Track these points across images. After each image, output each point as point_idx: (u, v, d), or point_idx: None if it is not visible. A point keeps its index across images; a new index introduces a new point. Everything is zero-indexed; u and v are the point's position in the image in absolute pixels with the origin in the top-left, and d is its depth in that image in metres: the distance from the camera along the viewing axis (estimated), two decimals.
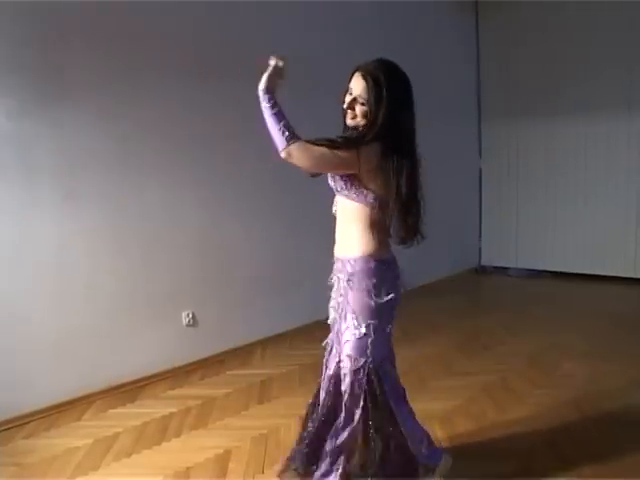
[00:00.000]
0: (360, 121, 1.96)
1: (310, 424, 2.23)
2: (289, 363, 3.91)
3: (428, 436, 2.28)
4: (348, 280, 2.03)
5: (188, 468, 2.58)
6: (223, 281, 4.07)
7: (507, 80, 6.51)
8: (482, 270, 6.92)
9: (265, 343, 4.32)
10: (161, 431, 2.97)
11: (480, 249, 7.01)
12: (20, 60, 3.01)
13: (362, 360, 2.05)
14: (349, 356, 2.05)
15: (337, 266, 2.13)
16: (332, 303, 2.20)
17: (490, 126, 6.78)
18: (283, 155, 1.89)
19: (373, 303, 2.01)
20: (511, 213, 6.70)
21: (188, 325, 3.87)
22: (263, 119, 1.94)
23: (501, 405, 3.11)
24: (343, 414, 2.08)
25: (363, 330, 2.02)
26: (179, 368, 3.80)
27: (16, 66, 3.00)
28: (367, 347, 2.04)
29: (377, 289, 2.01)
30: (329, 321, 2.24)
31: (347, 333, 2.06)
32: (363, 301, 2.01)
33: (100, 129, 3.34)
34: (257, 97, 1.95)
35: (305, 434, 2.23)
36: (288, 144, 1.86)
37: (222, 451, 2.71)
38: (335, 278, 2.16)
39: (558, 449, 2.59)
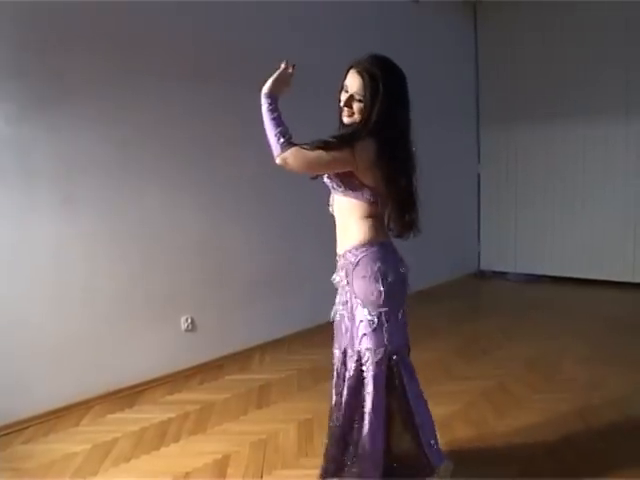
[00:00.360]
0: (357, 118, 1.96)
1: (332, 428, 2.22)
2: (288, 368, 3.89)
3: (436, 437, 2.28)
4: (353, 269, 2.03)
5: (187, 473, 2.57)
6: (222, 286, 4.07)
7: (505, 83, 6.53)
8: (481, 275, 6.93)
9: (264, 348, 4.32)
10: (160, 436, 2.96)
11: (479, 254, 7.02)
12: (19, 65, 3.01)
13: (382, 350, 2.03)
14: (369, 349, 2.04)
15: (340, 263, 2.13)
16: (338, 302, 2.19)
17: (488, 131, 6.79)
18: (278, 162, 1.90)
19: (380, 287, 1.99)
20: (510, 218, 6.71)
21: (187, 330, 3.86)
22: (262, 122, 1.95)
23: (501, 410, 3.10)
24: (372, 414, 2.05)
25: (375, 319, 2.01)
26: (178, 373, 3.80)
27: (15, 71, 3.00)
28: (384, 336, 2.03)
29: (382, 273, 2.00)
30: (332, 318, 2.24)
31: (362, 326, 2.04)
32: (370, 287, 2.00)
33: (99, 133, 3.34)
34: (258, 101, 1.96)
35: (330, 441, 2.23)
36: (282, 151, 1.87)
37: (221, 456, 2.71)
38: (339, 276, 2.15)
39: (558, 454, 2.58)
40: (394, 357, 2.06)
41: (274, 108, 1.94)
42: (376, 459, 2.09)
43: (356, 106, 1.95)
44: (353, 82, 1.94)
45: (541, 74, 6.18)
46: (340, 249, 2.12)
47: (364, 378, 2.06)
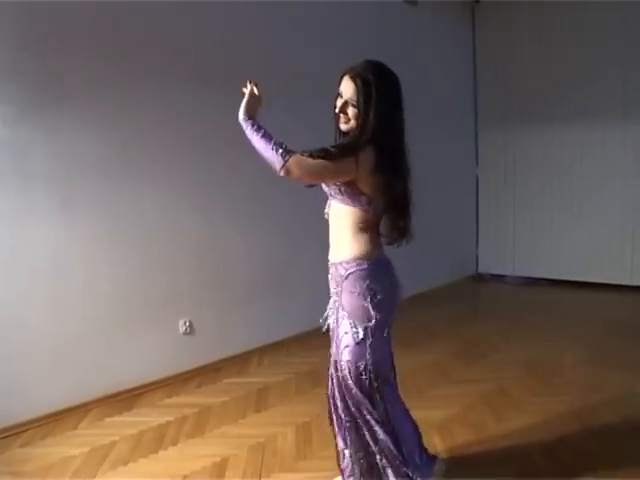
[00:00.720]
0: (353, 124, 1.95)
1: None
2: (286, 371, 3.89)
3: (422, 445, 2.27)
4: (342, 282, 2.02)
5: (185, 476, 2.57)
6: (221, 289, 4.07)
7: (504, 85, 6.54)
8: (479, 278, 6.93)
9: (262, 351, 4.31)
10: (158, 439, 2.95)
11: (477, 257, 7.03)
12: (18, 66, 3.01)
13: (362, 364, 2.02)
14: (349, 361, 2.02)
15: (332, 272, 2.12)
16: (330, 308, 2.19)
17: (486, 133, 6.80)
18: (282, 173, 1.86)
19: (368, 305, 1.98)
20: (508, 220, 6.72)
21: (185, 333, 3.85)
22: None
23: (499, 413, 3.10)
24: (379, 421, 2.06)
25: (361, 334, 2.00)
26: (176, 376, 3.79)
27: (14, 72, 3.00)
28: (366, 350, 2.01)
29: (371, 290, 1.99)
30: (325, 328, 2.23)
31: (346, 338, 2.03)
32: (358, 303, 1.99)
33: (99, 136, 3.34)
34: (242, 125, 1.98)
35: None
36: (285, 161, 1.84)
37: (219, 459, 2.70)
38: (331, 284, 2.15)
39: (556, 457, 2.58)
40: (377, 376, 2.05)
41: (258, 127, 1.95)
42: (402, 455, 2.09)
43: (351, 112, 1.94)
44: (347, 88, 1.93)
45: (539, 75, 6.19)
46: (333, 258, 2.11)
47: (352, 389, 2.05)
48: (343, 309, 2.03)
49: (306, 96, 4.28)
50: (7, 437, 3.01)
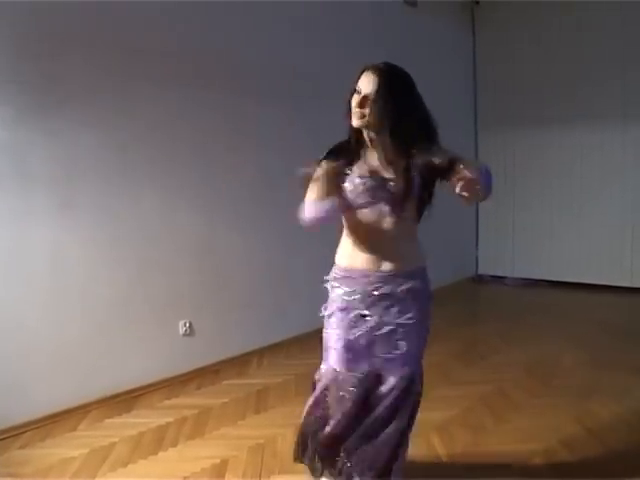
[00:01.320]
0: (370, 120, 1.89)
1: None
2: (285, 372, 3.90)
3: None
4: (420, 291, 2.04)
5: (184, 478, 2.57)
6: (220, 290, 4.06)
7: (503, 86, 6.55)
8: (479, 279, 6.93)
9: (261, 352, 4.31)
10: (157, 441, 2.95)
11: (477, 258, 7.03)
12: (17, 68, 3.01)
13: (418, 371, 2.08)
14: (414, 373, 2.06)
15: (386, 282, 2.02)
16: (365, 326, 2.05)
17: (486, 135, 6.80)
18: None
19: (431, 309, 2.05)
20: (507, 222, 6.72)
21: (185, 334, 3.85)
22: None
23: (499, 415, 3.10)
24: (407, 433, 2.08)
25: (423, 342, 2.04)
26: (175, 377, 3.79)
27: (13, 74, 3.00)
28: (422, 357, 2.08)
29: (432, 295, 2.05)
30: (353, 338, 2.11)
31: (416, 351, 2.05)
32: (428, 310, 2.05)
33: (98, 138, 3.34)
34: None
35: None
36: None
37: (219, 461, 2.70)
38: (378, 296, 2.04)
39: (556, 458, 2.58)
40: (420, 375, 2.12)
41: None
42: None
43: (370, 107, 1.87)
44: (367, 83, 1.88)
45: (539, 75, 6.20)
46: (392, 268, 2.02)
47: (406, 399, 2.05)
48: (417, 321, 2.02)
49: (306, 96, 4.27)
50: (6, 439, 3.00)
